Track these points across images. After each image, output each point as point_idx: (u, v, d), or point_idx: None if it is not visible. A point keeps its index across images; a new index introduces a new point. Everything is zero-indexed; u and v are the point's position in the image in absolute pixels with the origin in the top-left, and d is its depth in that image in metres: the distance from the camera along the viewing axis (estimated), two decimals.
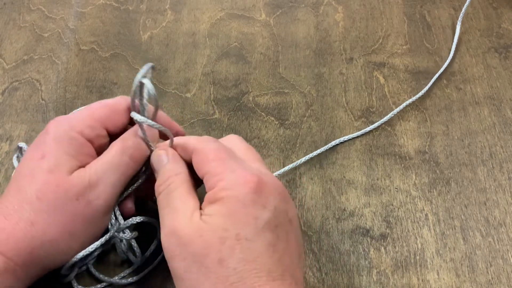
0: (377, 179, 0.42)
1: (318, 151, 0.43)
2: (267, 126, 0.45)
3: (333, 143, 0.44)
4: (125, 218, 0.35)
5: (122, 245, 0.35)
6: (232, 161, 0.30)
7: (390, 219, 0.40)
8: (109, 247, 0.37)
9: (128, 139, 0.34)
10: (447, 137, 0.45)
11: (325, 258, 0.38)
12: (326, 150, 0.43)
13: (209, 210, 0.28)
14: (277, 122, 0.46)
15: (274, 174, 0.40)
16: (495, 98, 0.47)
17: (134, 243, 0.35)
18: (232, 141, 0.34)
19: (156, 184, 0.32)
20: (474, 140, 0.44)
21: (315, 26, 0.53)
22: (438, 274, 0.37)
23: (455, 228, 0.39)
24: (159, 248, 0.37)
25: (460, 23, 0.52)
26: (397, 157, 0.43)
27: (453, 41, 0.51)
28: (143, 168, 0.36)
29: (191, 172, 0.32)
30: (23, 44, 0.51)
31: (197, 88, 0.48)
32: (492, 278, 0.37)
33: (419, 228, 0.39)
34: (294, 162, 0.42)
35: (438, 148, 0.44)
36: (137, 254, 0.36)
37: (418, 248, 0.38)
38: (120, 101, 0.35)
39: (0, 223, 0.30)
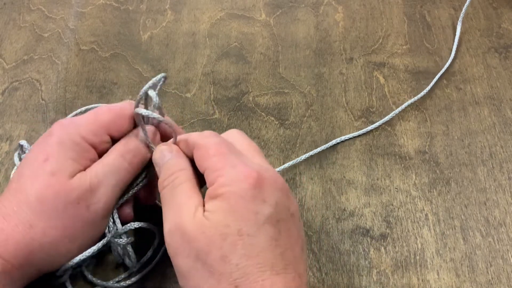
0: (377, 179, 0.42)
1: (319, 149, 0.43)
2: (267, 126, 0.45)
3: (333, 141, 0.44)
4: (123, 223, 0.35)
5: (119, 249, 0.35)
6: (233, 156, 0.30)
7: (390, 219, 0.40)
8: (105, 249, 0.37)
9: (129, 142, 0.34)
10: (447, 137, 0.45)
11: (325, 258, 0.38)
12: (326, 150, 0.43)
13: (211, 206, 0.28)
14: (277, 122, 0.46)
15: None
16: (495, 98, 0.47)
17: (129, 248, 0.35)
18: (234, 136, 0.34)
19: (160, 179, 0.32)
20: (474, 140, 0.44)
21: (315, 26, 0.53)
22: (438, 274, 0.37)
23: (455, 228, 0.39)
24: (155, 254, 0.37)
25: (460, 23, 0.52)
26: (397, 157, 0.43)
27: (453, 41, 0.51)
28: (143, 174, 0.36)
29: (195, 170, 0.32)
30: (23, 44, 0.51)
31: (197, 88, 0.48)
32: (492, 278, 0.37)
33: (419, 228, 0.39)
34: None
35: (438, 148, 0.44)
36: (132, 259, 0.35)
37: (418, 248, 0.38)
38: (126, 107, 0.34)
39: None
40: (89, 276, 0.36)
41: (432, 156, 0.43)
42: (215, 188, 0.29)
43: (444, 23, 0.54)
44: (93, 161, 0.33)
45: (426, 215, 0.40)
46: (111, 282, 0.36)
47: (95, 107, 0.43)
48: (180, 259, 0.28)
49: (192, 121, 0.46)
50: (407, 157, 0.43)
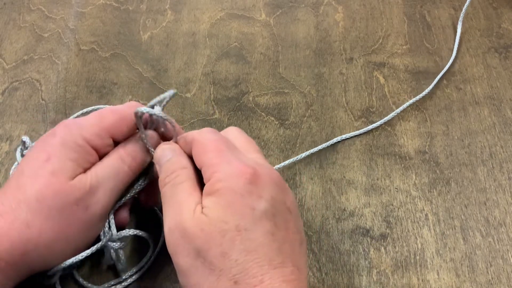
0: (377, 179, 0.42)
1: (319, 147, 0.43)
2: (267, 126, 0.45)
3: (334, 140, 0.44)
4: (119, 226, 0.35)
5: (111, 252, 0.35)
6: (229, 152, 0.30)
7: (390, 219, 0.40)
8: (97, 252, 0.37)
9: (130, 145, 0.34)
10: (447, 137, 0.45)
11: (325, 258, 0.38)
12: (326, 150, 0.43)
13: (208, 202, 0.29)
14: (277, 122, 0.46)
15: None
16: (495, 98, 0.47)
17: (121, 252, 0.35)
18: (232, 133, 0.34)
19: (161, 177, 0.32)
20: (474, 140, 0.44)
21: (315, 26, 0.53)
22: (438, 274, 0.37)
23: (455, 228, 0.39)
24: (148, 260, 0.37)
25: (460, 23, 0.52)
26: (397, 157, 0.43)
27: (454, 41, 0.51)
28: (142, 178, 0.36)
29: (196, 169, 0.32)
30: (23, 44, 0.51)
31: (197, 88, 0.48)
32: (492, 278, 0.37)
33: (419, 228, 0.39)
34: (294, 163, 0.42)
35: (438, 148, 0.44)
36: (123, 263, 0.35)
37: (418, 248, 0.38)
38: (129, 109, 0.34)
39: None
40: (80, 280, 0.36)
41: (432, 156, 0.43)
42: (211, 184, 0.29)
43: (444, 23, 0.54)
44: (94, 163, 0.33)
45: (426, 215, 0.40)
46: (101, 286, 0.36)
47: (98, 108, 0.43)
48: (181, 258, 0.28)
49: (192, 121, 0.46)
50: (407, 157, 0.43)
